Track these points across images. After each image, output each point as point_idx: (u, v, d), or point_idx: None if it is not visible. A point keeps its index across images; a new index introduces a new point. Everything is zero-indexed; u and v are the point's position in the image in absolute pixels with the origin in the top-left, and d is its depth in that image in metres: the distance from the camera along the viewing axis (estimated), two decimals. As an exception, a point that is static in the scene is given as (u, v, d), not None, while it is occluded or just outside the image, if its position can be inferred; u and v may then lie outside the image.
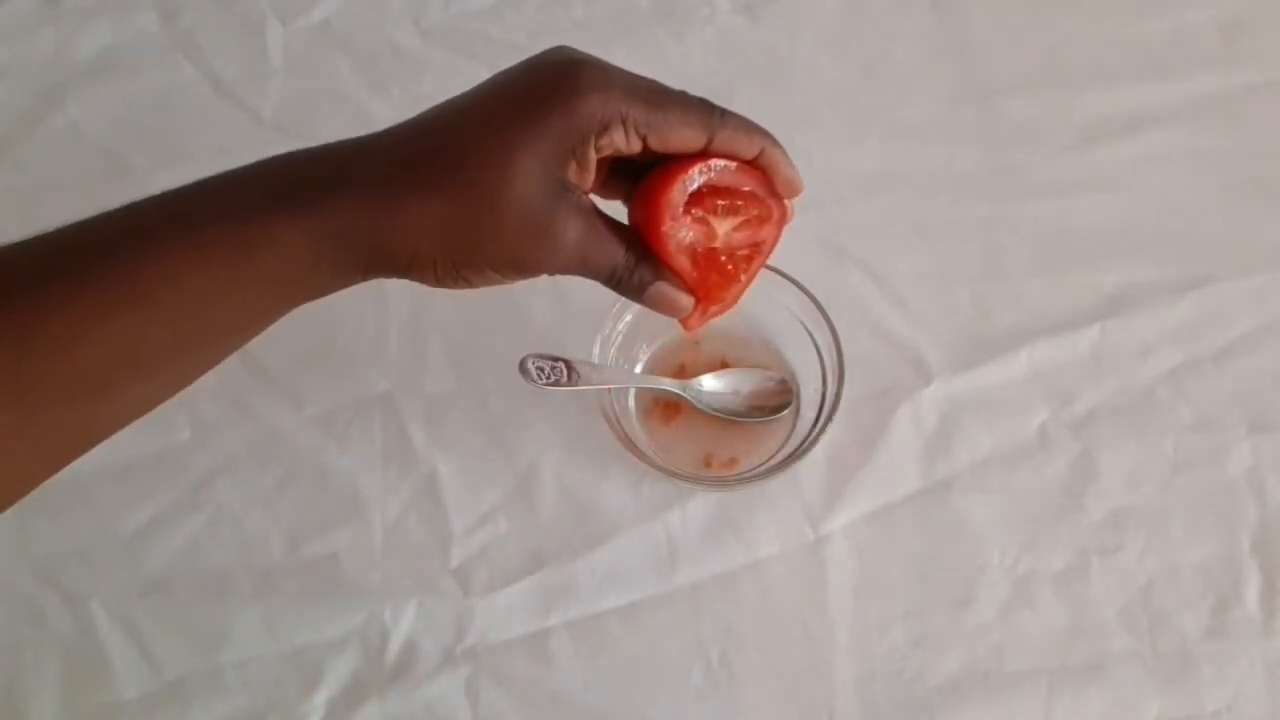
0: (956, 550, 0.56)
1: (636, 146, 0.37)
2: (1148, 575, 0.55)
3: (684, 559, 0.56)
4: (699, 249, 0.41)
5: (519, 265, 0.38)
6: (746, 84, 0.68)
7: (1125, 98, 0.67)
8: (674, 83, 0.67)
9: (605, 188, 0.41)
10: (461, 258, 0.37)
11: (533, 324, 0.60)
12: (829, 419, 0.54)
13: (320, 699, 0.53)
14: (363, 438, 0.59)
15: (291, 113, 0.68)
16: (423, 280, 0.38)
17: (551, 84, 0.36)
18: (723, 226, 0.41)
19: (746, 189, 0.41)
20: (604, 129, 0.36)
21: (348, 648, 0.54)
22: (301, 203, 0.35)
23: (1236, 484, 0.57)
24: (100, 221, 0.35)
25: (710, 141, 0.39)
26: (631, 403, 0.59)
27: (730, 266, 0.42)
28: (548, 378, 0.53)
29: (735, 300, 0.44)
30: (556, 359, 0.53)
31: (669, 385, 0.58)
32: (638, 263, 0.40)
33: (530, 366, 0.53)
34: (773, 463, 0.55)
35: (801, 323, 0.57)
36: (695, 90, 0.67)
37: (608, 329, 0.56)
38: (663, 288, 0.40)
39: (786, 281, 0.56)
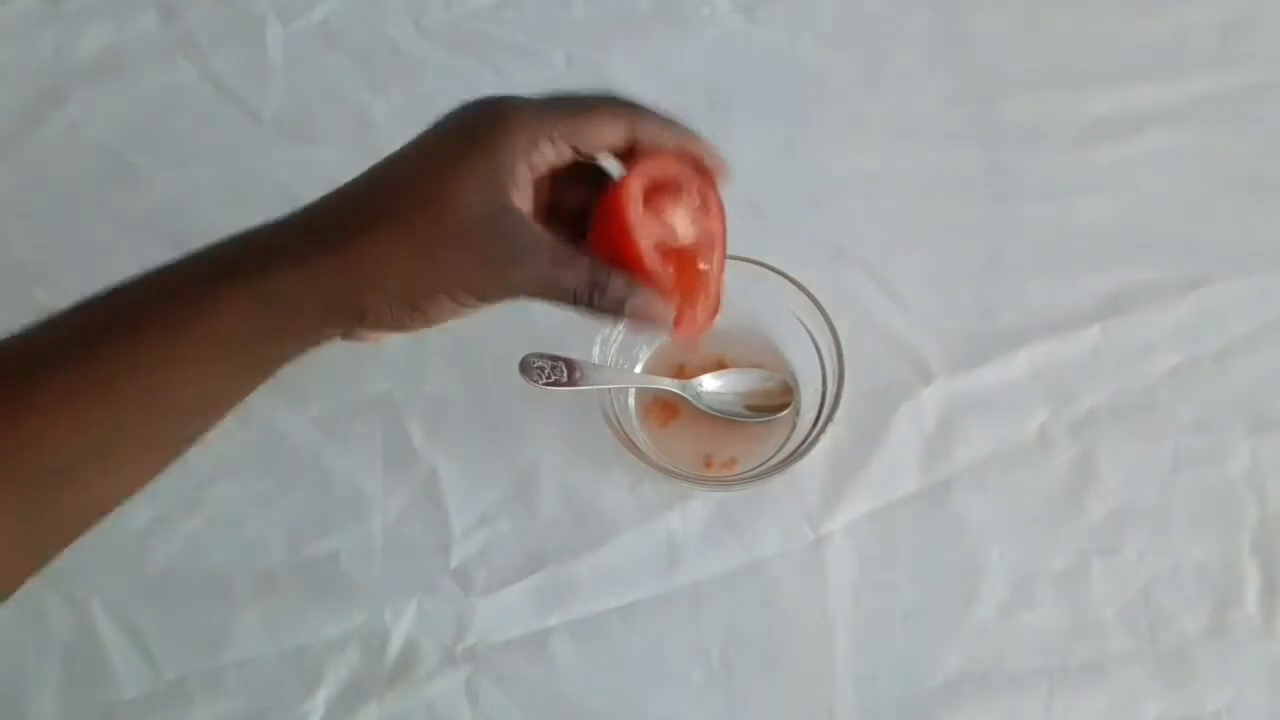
0: (956, 550, 0.56)
1: (567, 154, 0.38)
2: (1148, 575, 0.55)
3: (684, 559, 0.56)
4: (668, 247, 0.41)
5: (477, 287, 0.37)
6: (746, 84, 0.68)
7: (1125, 98, 0.67)
8: (674, 83, 0.69)
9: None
10: (416, 287, 0.36)
11: (533, 324, 0.60)
12: (829, 419, 0.54)
13: (320, 699, 0.53)
14: (363, 438, 0.59)
15: (291, 113, 0.68)
16: (381, 323, 0.37)
17: (474, 121, 0.37)
18: (679, 220, 0.41)
19: (683, 180, 0.41)
20: (533, 145, 0.37)
21: (348, 648, 0.54)
22: (244, 272, 0.35)
23: (1236, 484, 0.57)
24: (62, 318, 0.36)
25: (634, 135, 0.39)
26: (631, 403, 0.59)
27: (699, 265, 0.42)
28: (548, 378, 0.53)
29: (717, 303, 0.43)
30: (556, 359, 0.53)
31: (669, 385, 0.58)
32: (610, 277, 0.38)
33: (530, 366, 0.53)
34: (773, 463, 0.55)
35: (801, 323, 0.57)
36: (696, 90, 0.68)
37: (608, 329, 0.56)
38: (642, 298, 0.39)
39: (786, 281, 0.56)
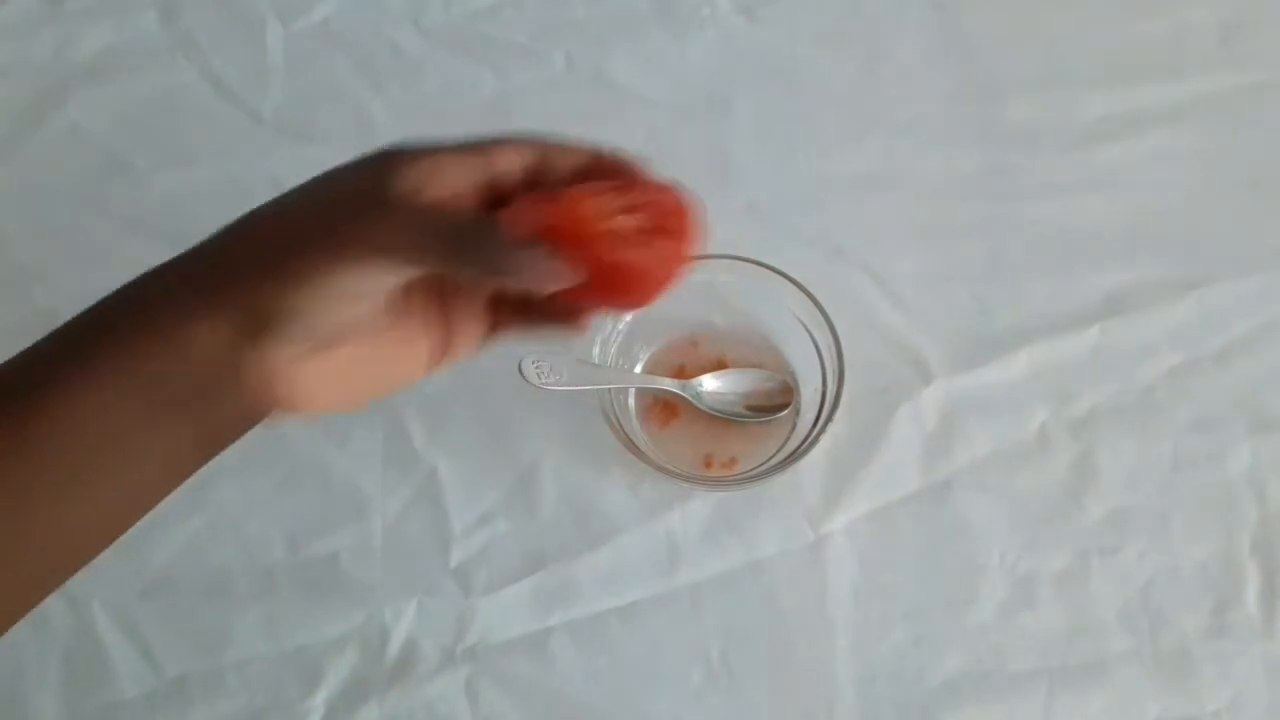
0: (956, 550, 0.56)
1: (478, 170, 0.36)
2: (1148, 575, 0.55)
3: (684, 559, 0.56)
4: (569, 220, 0.37)
5: (354, 239, 0.34)
6: (746, 84, 0.68)
7: (1125, 98, 0.67)
8: (674, 82, 0.68)
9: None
10: (291, 248, 0.34)
11: (533, 324, 0.60)
12: (829, 419, 0.54)
13: (320, 699, 0.53)
14: (363, 438, 0.59)
15: (291, 113, 0.68)
16: (294, 314, 0.35)
17: (358, 160, 0.36)
18: (593, 207, 0.38)
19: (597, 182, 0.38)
20: (412, 163, 0.35)
21: (348, 648, 0.54)
22: (145, 308, 0.35)
23: (1236, 484, 0.57)
24: (43, 344, 0.36)
25: (541, 158, 0.37)
26: (631, 403, 0.59)
27: (603, 224, 0.38)
28: (548, 378, 0.53)
29: (662, 277, 0.38)
30: (557, 359, 0.53)
31: (669, 385, 0.58)
32: (490, 221, 0.35)
33: (530, 366, 0.53)
34: (773, 463, 0.55)
35: (801, 323, 0.57)
36: (696, 91, 0.68)
37: (608, 329, 0.57)
38: (529, 250, 0.35)
39: (786, 281, 0.56)
